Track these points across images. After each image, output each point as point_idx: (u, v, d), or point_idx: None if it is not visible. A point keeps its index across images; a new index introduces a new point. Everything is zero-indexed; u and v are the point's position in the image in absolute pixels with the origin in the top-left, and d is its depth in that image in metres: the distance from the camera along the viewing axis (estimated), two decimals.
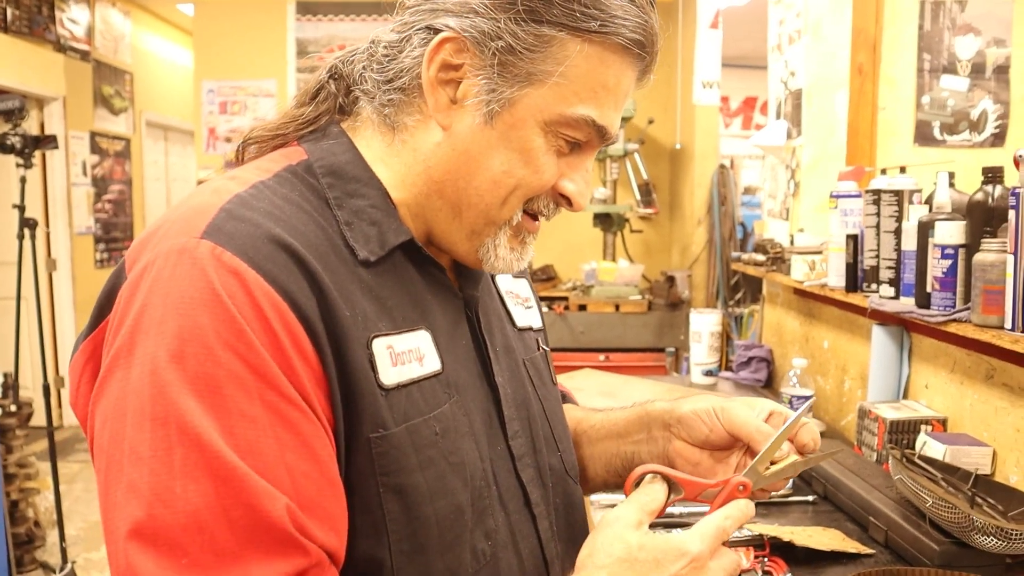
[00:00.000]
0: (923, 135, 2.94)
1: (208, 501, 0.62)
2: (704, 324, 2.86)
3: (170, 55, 7.84)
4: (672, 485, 0.83)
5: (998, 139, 2.74)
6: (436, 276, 0.86)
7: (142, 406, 0.64)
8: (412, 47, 0.80)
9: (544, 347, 1.06)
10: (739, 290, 4.30)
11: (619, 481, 1.07)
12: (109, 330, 0.70)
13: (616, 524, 0.77)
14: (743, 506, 0.81)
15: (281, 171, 0.79)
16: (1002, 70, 2.92)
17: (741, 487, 0.83)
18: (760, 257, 2.81)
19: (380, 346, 0.75)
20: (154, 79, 7.50)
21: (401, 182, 0.83)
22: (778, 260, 2.63)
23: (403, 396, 0.76)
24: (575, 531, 0.98)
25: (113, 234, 6.81)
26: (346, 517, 0.71)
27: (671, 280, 4.60)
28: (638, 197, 4.93)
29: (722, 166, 4.66)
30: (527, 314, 1.05)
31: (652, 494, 0.81)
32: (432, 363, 0.81)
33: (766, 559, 1.52)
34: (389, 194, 0.83)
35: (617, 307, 4.49)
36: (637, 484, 0.83)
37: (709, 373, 2.88)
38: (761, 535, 1.56)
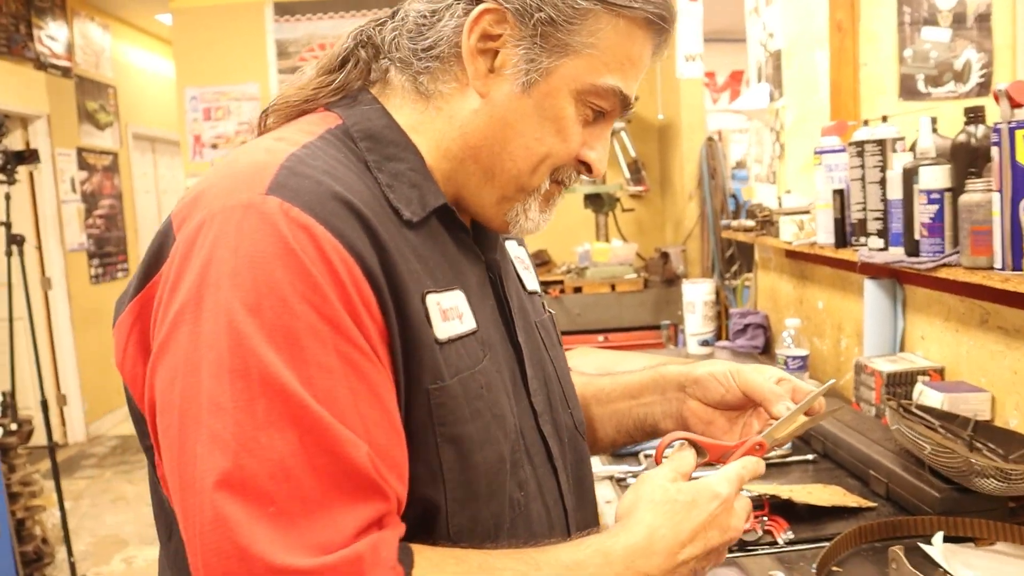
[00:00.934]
0: (908, 89, 2.90)
1: (293, 449, 0.64)
2: (697, 294, 2.83)
3: (152, 66, 7.81)
4: (698, 450, 0.91)
5: (984, 88, 2.70)
6: (464, 240, 0.89)
7: (220, 358, 0.65)
8: (451, 17, 0.83)
9: (551, 311, 1.10)
10: (735, 262, 4.27)
11: (628, 440, 1.16)
12: (162, 288, 0.71)
13: (655, 478, 0.84)
14: (757, 461, 0.89)
15: (324, 133, 0.82)
16: (984, 18, 2.89)
17: (758, 446, 0.92)
18: (749, 223, 2.78)
19: (432, 302, 0.79)
20: (137, 91, 7.47)
21: (435, 147, 0.86)
22: (767, 223, 2.61)
23: (453, 351, 0.80)
24: (584, 485, 1.03)
25: (106, 249, 6.79)
26: (407, 465, 0.74)
27: (665, 256, 4.57)
28: (627, 175, 4.89)
29: (710, 139, 4.62)
30: (531, 278, 1.09)
31: (683, 459, 0.88)
32: (469, 322, 0.84)
33: (766, 518, 1.49)
34: (425, 162, 0.85)
35: (613, 287, 4.46)
36: (667, 450, 0.91)
37: (705, 343, 2.86)
38: (760, 495, 1.54)
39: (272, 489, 0.63)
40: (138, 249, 7.23)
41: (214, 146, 5.75)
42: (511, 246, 1.07)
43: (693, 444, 0.91)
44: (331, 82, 0.87)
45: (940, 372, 1.86)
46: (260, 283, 0.66)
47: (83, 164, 6.42)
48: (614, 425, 1.14)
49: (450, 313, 0.81)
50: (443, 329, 0.79)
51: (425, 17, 0.85)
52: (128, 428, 6.12)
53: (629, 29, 0.83)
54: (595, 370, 1.24)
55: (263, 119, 0.89)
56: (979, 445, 1.54)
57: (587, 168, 0.89)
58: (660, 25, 0.85)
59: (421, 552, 0.72)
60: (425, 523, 0.77)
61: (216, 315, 0.66)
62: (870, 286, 2.05)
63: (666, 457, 0.89)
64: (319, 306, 0.67)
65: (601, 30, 0.82)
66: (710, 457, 0.92)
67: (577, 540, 0.79)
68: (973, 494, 1.44)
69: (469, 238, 0.91)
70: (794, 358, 2.13)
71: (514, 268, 1.04)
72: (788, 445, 1.83)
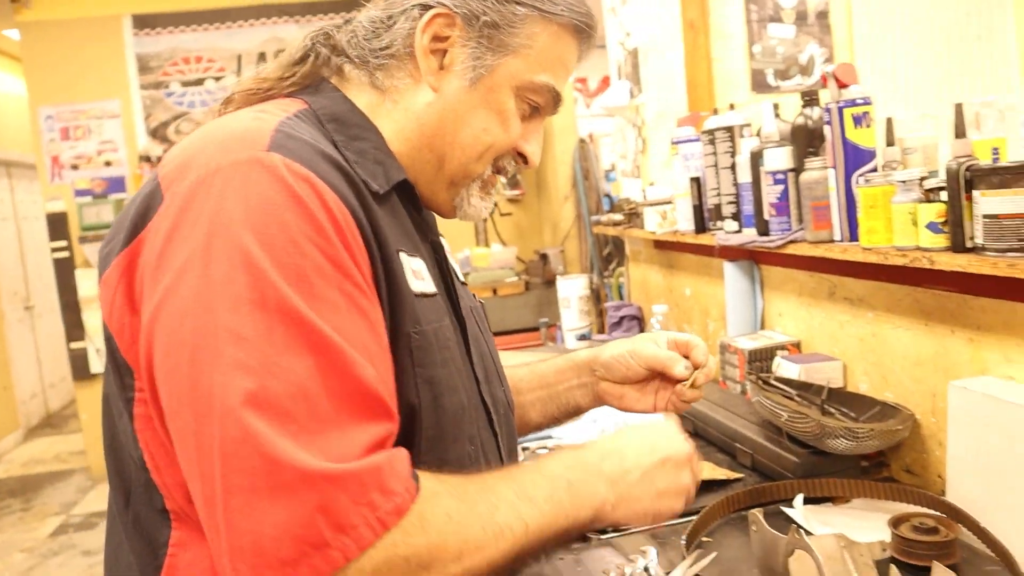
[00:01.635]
0: (758, 83, 3.05)
1: (311, 373, 0.69)
2: (571, 290, 2.87)
3: (1, 85, 7.40)
4: None
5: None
6: (417, 219, 0.97)
7: (238, 293, 0.70)
8: (405, 20, 0.93)
9: (480, 300, 1.19)
10: (613, 259, 4.36)
11: (552, 423, 1.29)
12: (153, 241, 0.75)
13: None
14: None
15: (296, 113, 0.88)
16: (823, 15, 3.06)
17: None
18: (617, 217, 2.85)
19: (404, 258, 0.87)
20: None
21: (395, 133, 0.94)
22: (633, 216, 2.67)
23: (423, 304, 0.88)
24: (513, 458, 1.11)
25: None
26: (396, 400, 0.80)
27: (544, 258, 4.64)
28: (503, 181, 4.93)
29: (581, 140, 4.72)
30: (458, 271, 1.16)
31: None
32: (431, 285, 0.92)
33: None
34: (386, 142, 0.94)
35: (495, 291, 4.49)
36: None
37: (583, 337, 2.90)
38: None
39: (293, 408, 0.68)
40: None
41: (74, 167, 5.49)
42: (444, 241, 1.14)
43: None
44: (293, 74, 0.96)
45: (797, 346, 1.95)
46: (272, 225, 0.72)
47: None
48: (539, 411, 1.26)
49: (417, 274, 0.89)
50: (415, 283, 0.88)
51: (381, 21, 0.94)
52: None
53: (560, 33, 0.95)
54: None
55: (225, 105, 0.95)
56: (831, 410, 1.62)
57: (523, 159, 0.99)
58: (585, 31, 0.98)
59: (422, 472, 0.77)
60: None
61: (231, 255, 0.71)
62: (729, 269, 2.13)
63: None
64: (324, 248, 0.74)
65: (537, 34, 0.93)
66: None
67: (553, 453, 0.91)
68: (828, 456, 1.51)
69: (422, 218, 0.99)
70: None
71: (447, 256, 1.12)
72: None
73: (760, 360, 1.93)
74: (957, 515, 1.24)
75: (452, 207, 0.99)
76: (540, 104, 0.97)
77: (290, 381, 0.69)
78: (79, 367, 5.50)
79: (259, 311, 0.70)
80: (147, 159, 5.44)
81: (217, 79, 5.64)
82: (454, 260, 1.16)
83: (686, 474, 0.95)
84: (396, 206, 0.92)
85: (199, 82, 5.63)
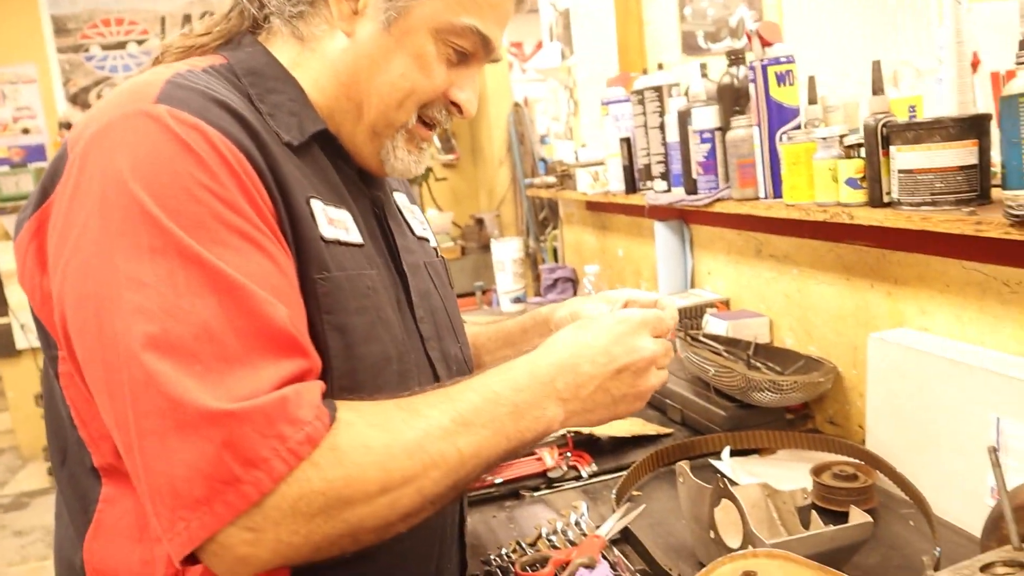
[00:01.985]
0: (689, 45, 3.05)
1: (215, 313, 0.69)
2: (505, 253, 2.87)
3: None
4: None
5: None
6: (348, 173, 0.95)
7: (136, 241, 0.69)
8: None
9: (442, 256, 1.16)
10: (548, 224, 4.37)
11: None
12: (59, 202, 0.75)
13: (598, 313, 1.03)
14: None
15: (207, 67, 0.86)
16: None
17: None
18: (551, 179, 2.85)
19: (316, 206, 0.85)
20: None
21: (313, 84, 0.92)
22: (565, 178, 2.68)
23: (338, 251, 0.85)
24: None
25: None
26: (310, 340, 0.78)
27: (480, 223, 4.62)
28: (438, 145, 4.90)
29: (516, 104, 4.69)
30: (424, 230, 1.14)
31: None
32: (356, 236, 0.90)
33: (570, 455, 1.54)
34: (306, 94, 0.91)
35: None
36: None
37: (517, 300, 2.91)
38: (564, 433, 1.59)
39: (197, 349, 0.68)
40: None
41: None
42: (402, 199, 1.13)
43: None
44: (219, 30, 0.94)
45: (726, 303, 1.98)
46: (163, 175, 0.71)
47: None
48: None
49: (337, 223, 0.87)
50: (328, 230, 0.85)
51: None
52: None
53: None
54: None
55: (154, 65, 0.92)
56: (758, 364, 1.66)
57: (458, 109, 0.95)
58: None
59: (340, 401, 0.76)
60: None
61: (126, 208, 0.70)
62: (660, 228, 2.15)
63: None
64: (220, 193, 0.73)
65: None
66: None
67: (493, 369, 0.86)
68: (755, 409, 1.54)
69: (354, 172, 0.96)
70: None
71: (400, 213, 1.09)
72: None
73: (690, 318, 1.96)
74: (875, 462, 1.28)
75: (379, 161, 0.96)
76: (467, 49, 0.93)
77: (193, 323, 0.68)
78: (3, 344, 5.32)
79: (159, 257, 0.70)
80: (67, 126, 5.24)
81: (140, 42, 5.45)
82: (417, 216, 1.14)
83: (649, 377, 0.90)
84: (318, 158, 0.91)
85: (121, 45, 5.43)
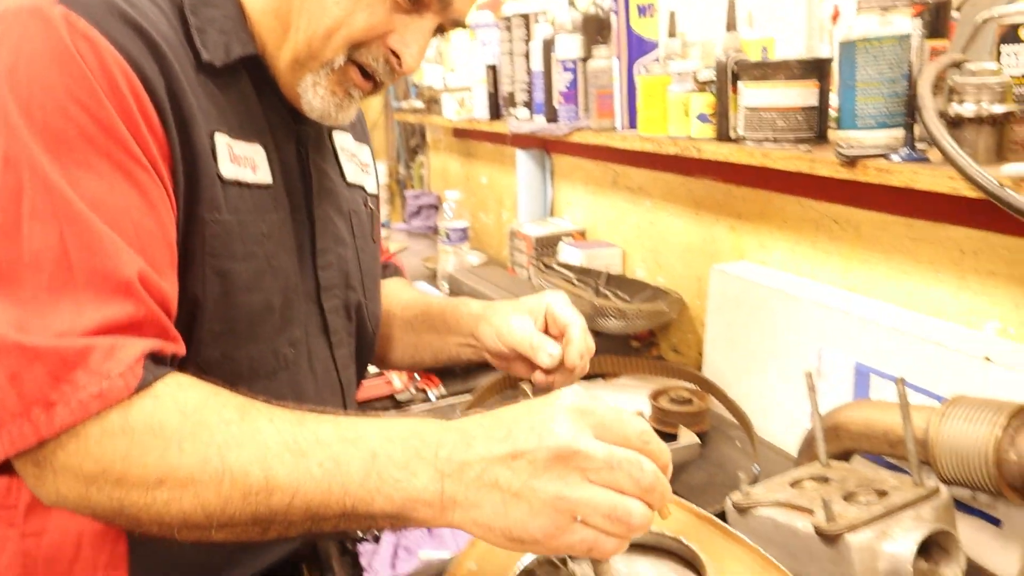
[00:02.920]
0: None
1: (51, 243, 0.65)
2: None
3: None
4: None
5: None
6: (274, 104, 0.88)
7: None
8: None
9: (372, 207, 1.07)
10: (419, 151, 4.31)
11: (423, 368, 1.25)
12: None
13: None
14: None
15: None
16: None
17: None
18: (419, 103, 2.80)
19: (221, 141, 0.79)
20: None
21: (252, 3, 0.84)
22: (433, 103, 2.64)
23: (237, 192, 0.80)
24: (359, 371, 1.07)
25: None
26: (176, 287, 0.74)
27: None
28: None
29: None
30: (361, 175, 1.06)
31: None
32: (264, 175, 0.84)
33: (418, 377, 1.55)
34: (244, 11, 0.84)
35: None
36: None
37: (382, 225, 2.87)
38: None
39: (25, 276, 0.64)
40: None
41: None
42: (344, 139, 1.04)
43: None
44: None
45: (582, 233, 2.01)
46: (35, 83, 0.67)
47: None
48: (431, 355, 1.15)
49: (242, 161, 0.82)
50: (229, 169, 0.80)
51: None
52: None
53: None
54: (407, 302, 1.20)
55: None
56: (607, 293, 1.70)
57: (397, 60, 0.83)
58: None
59: (179, 376, 0.68)
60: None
61: None
62: (522, 157, 2.16)
63: None
64: (94, 112, 0.68)
65: None
66: None
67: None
68: (602, 336, 1.58)
69: (281, 102, 0.88)
70: (455, 230, 2.21)
71: (335, 155, 1.01)
72: None
73: (547, 247, 1.98)
74: (707, 386, 1.34)
75: (295, 93, 0.85)
76: None
77: (27, 249, 0.65)
78: None
79: (12, 169, 0.66)
80: None
81: None
82: (359, 159, 1.06)
83: (568, 482, 0.60)
84: (243, 85, 0.84)
85: None
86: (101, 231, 0.66)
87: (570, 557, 0.63)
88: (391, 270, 1.28)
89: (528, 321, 1.00)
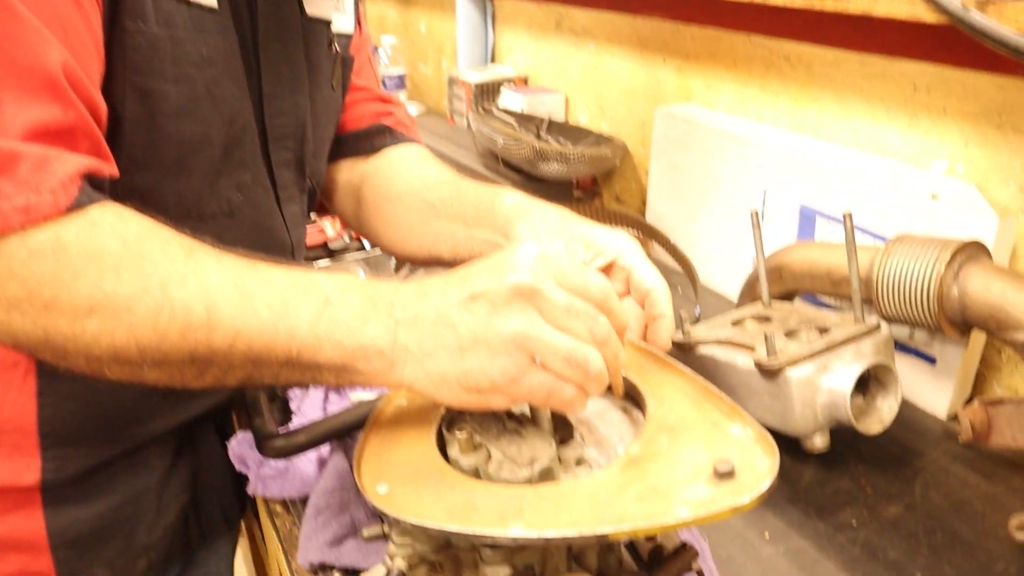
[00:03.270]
0: None
1: None
2: None
3: None
4: None
5: None
6: None
7: None
8: None
9: (338, 50, 0.95)
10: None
11: (432, 263, 0.98)
12: None
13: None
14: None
15: None
16: None
17: None
18: None
19: None
20: None
21: None
22: None
23: (171, 5, 0.71)
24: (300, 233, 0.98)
25: None
26: (103, 100, 0.65)
27: None
28: None
29: None
30: (327, 8, 0.92)
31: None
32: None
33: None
34: None
35: None
36: None
37: None
38: None
39: None
40: None
41: None
42: None
43: None
44: None
45: (525, 80, 1.93)
46: None
47: None
48: (449, 247, 0.94)
49: None
50: None
51: None
52: None
53: None
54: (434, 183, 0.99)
55: None
56: (547, 138, 1.64)
57: None
58: None
59: (119, 206, 0.61)
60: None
61: None
62: (461, 2, 2.04)
63: None
64: None
65: None
66: None
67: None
68: (543, 183, 1.54)
69: None
70: (391, 77, 2.10)
71: None
72: None
73: (487, 94, 1.90)
74: (650, 232, 1.31)
75: None
76: None
77: None
78: None
79: None
80: None
81: None
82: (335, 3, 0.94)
83: (527, 321, 0.56)
84: None
85: None
86: (28, 21, 0.58)
87: None
88: (394, 136, 1.06)
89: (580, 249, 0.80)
